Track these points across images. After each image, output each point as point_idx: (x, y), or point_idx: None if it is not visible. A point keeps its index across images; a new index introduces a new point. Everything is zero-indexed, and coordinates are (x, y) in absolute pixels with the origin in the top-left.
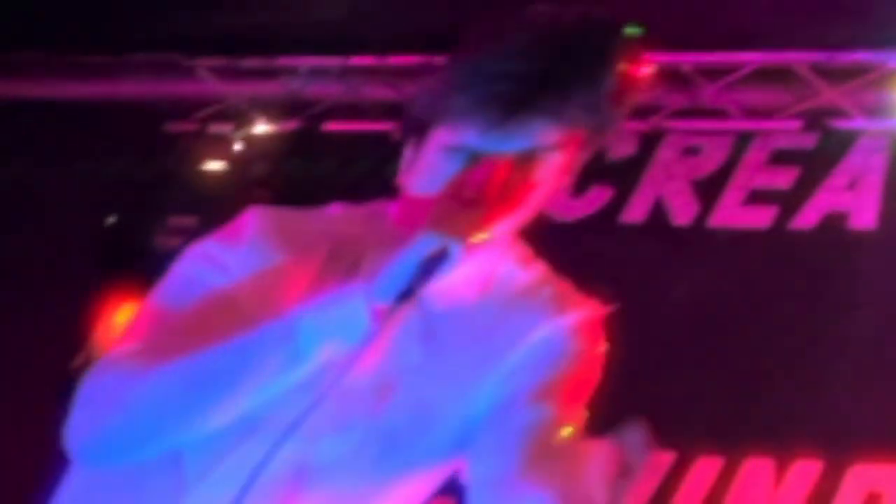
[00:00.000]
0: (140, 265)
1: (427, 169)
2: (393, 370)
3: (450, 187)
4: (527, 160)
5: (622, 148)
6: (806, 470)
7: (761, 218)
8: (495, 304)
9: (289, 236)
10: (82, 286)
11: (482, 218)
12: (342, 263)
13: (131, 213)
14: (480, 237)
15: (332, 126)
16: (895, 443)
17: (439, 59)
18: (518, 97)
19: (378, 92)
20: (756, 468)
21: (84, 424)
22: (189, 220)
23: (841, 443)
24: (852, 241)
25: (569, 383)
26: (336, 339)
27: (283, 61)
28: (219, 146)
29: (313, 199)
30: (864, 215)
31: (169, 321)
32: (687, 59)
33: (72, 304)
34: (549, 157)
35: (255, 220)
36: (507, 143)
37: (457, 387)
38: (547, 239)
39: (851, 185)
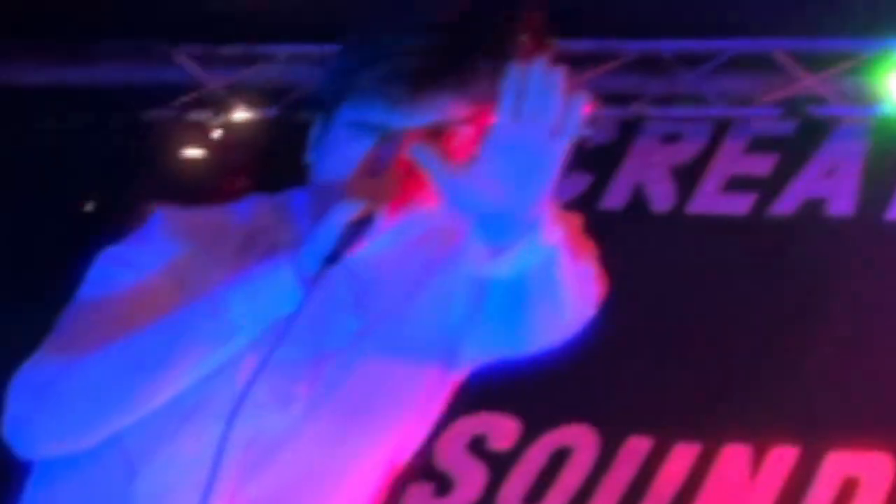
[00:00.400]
0: None
1: (335, 147)
2: (328, 339)
3: (361, 166)
4: (436, 134)
5: (601, 134)
6: (783, 456)
7: (740, 205)
8: (432, 250)
9: (198, 231)
10: (59, 273)
11: (397, 189)
12: (256, 250)
13: (109, 200)
14: (399, 206)
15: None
16: (872, 429)
17: None
18: (423, 72)
19: None
20: (733, 455)
21: (20, 419)
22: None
23: (818, 429)
24: (831, 228)
25: None
26: (266, 309)
27: (263, 48)
28: (197, 133)
29: (292, 186)
30: (843, 202)
31: (90, 322)
32: (666, 46)
33: (48, 292)
34: (459, 130)
35: (161, 220)
36: (414, 119)
37: (402, 337)
38: None
39: (830, 173)
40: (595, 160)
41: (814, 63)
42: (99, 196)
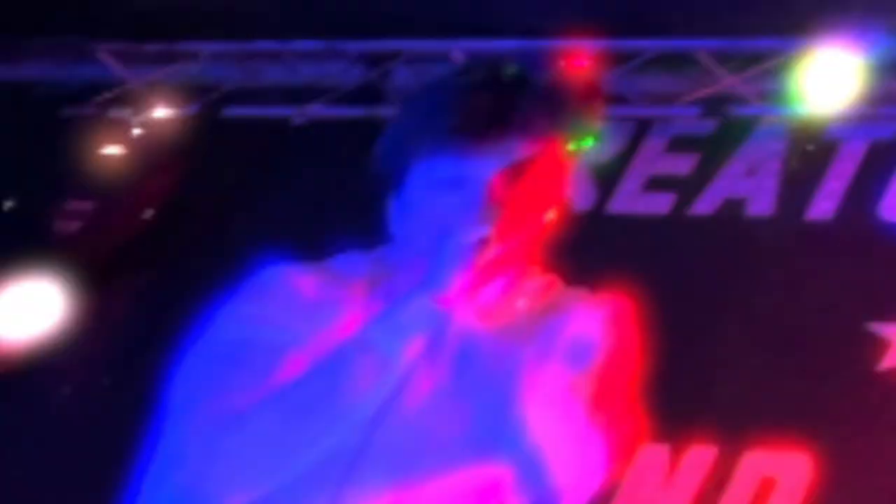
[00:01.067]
0: (37, 249)
1: (421, 208)
2: (456, 391)
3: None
4: (516, 172)
5: None
6: (700, 456)
7: (660, 204)
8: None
9: (315, 284)
10: None
11: (504, 221)
12: (383, 291)
13: (29, 198)
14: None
15: (232, 111)
16: (790, 429)
17: (340, 45)
18: (487, 119)
19: (279, 77)
20: (651, 454)
21: (194, 478)
22: (87, 205)
23: (735, 429)
24: (750, 228)
25: None
26: (412, 336)
27: (184, 46)
28: (117, 131)
29: (212, 183)
30: (763, 202)
31: (237, 381)
32: (587, 46)
33: None
34: (536, 165)
35: (279, 274)
36: (490, 163)
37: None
38: None
39: (750, 172)
40: None
41: (734, 63)
42: (18, 194)
